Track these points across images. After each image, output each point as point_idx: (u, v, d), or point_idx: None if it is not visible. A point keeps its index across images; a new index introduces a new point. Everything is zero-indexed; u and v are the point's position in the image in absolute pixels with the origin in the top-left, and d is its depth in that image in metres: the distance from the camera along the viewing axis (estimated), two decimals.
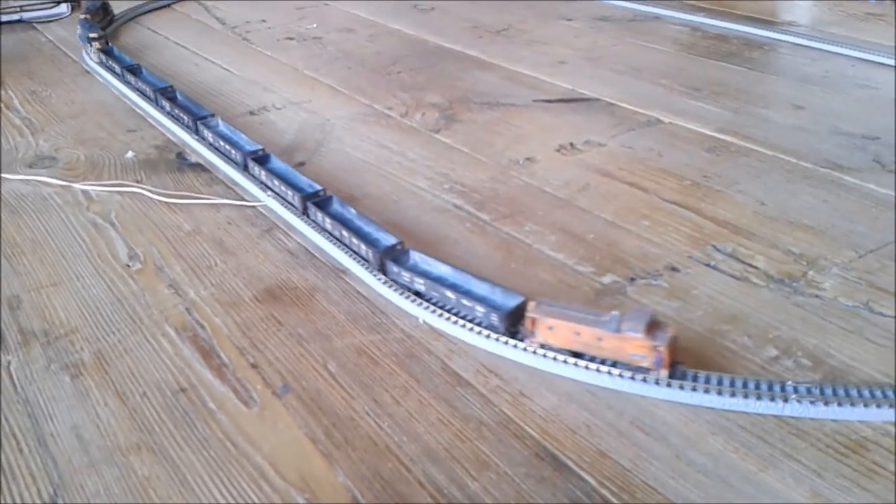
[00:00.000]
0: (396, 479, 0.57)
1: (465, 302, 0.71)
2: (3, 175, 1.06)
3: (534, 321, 0.66)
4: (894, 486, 0.54)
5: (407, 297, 0.75)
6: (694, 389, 0.62)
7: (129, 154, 1.12)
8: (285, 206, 0.92)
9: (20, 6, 1.85)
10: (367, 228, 0.84)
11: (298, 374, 0.67)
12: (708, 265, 0.80)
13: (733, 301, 0.75)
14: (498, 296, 0.71)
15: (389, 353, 0.70)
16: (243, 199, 0.97)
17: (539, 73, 1.39)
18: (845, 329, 0.70)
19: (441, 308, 0.73)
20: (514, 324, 0.68)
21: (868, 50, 1.39)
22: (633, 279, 0.79)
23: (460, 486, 0.56)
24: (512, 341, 0.68)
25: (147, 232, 0.91)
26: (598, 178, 1.00)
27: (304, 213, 0.90)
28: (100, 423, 0.63)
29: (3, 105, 1.33)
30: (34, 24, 1.83)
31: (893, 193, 0.92)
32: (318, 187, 0.91)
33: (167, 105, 1.21)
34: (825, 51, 1.43)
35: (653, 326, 0.62)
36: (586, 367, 0.65)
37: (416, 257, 0.78)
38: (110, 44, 1.52)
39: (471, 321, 0.71)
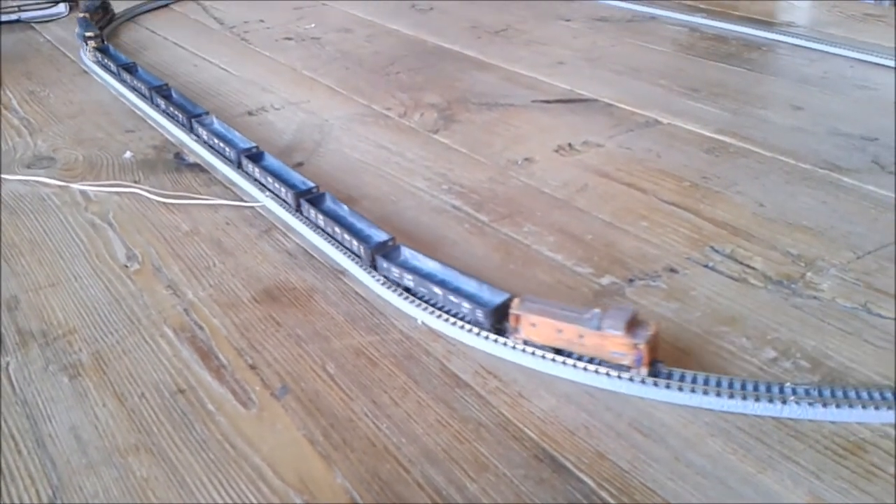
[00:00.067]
0: (395, 481, 0.57)
1: (452, 298, 0.71)
2: (1, 175, 1.06)
3: (517, 318, 0.67)
4: (893, 488, 0.54)
5: (405, 299, 0.75)
6: (692, 391, 0.62)
7: (128, 154, 1.11)
8: (283, 207, 0.92)
9: (18, 6, 1.85)
10: (360, 225, 0.84)
11: (297, 376, 0.67)
12: (706, 266, 0.80)
13: (732, 302, 0.75)
14: (485, 293, 0.71)
15: (388, 354, 0.70)
16: (241, 200, 0.97)
17: (537, 73, 1.39)
18: (844, 330, 0.70)
19: (427, 302, 0.73)
20: (499, 320, 0.69)
21: (867, 51, 1.39)
22: (631, 280, 0.79)
23: (459, 488, 0.56)
24: (511, 342, 0.68)
25: (145, 232, 0.91)
26: (596, 178, 1.00)
27: (298, 209, 0.90)
28: (98, 424, 0.63)
29: (1, 105, 1.33)
30: (32, 24, 1.83)
31: (892, 195, 0.92)
32: (312, 184, 0.91)
33: (162, 103, 1.21)
34: (824, 52, 1.43)
35: (633, 324, 0.62)
36: (585, 369, 0.65)
37: (406, 253, 0.79)
38: (106, 42, 1.52)
39: (457, 317, 0.71)
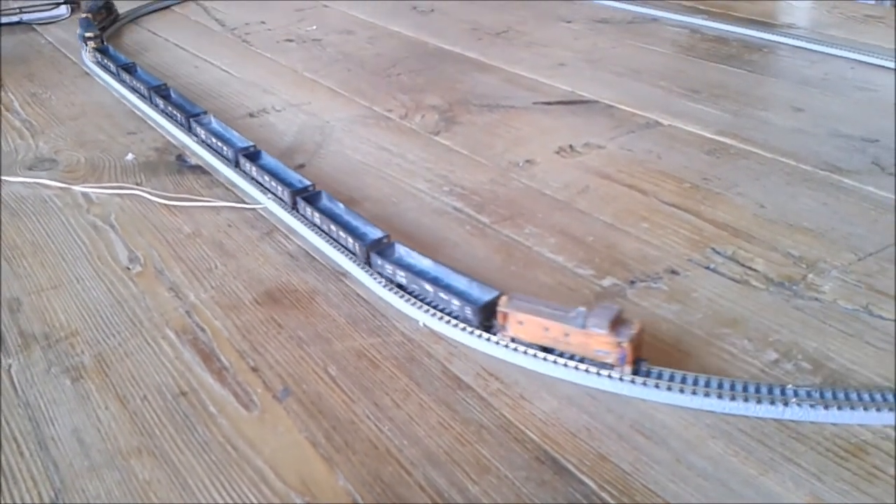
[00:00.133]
0: (397, 483, 0.57)
1: (442, 295, 0.72)
2: (2, 177, 1.06)
3: (505, 315, 0.67)
4: (894, 490, 0.54)
5: (407, 301, 0.75)
6: (694, 393, 0.62)
7: (129, 156, 1.12)
8: (282, 206, 0.92)
9: (20, 8, 1.85)
10: (355, 223, 0.85)
11: (299, 378, 0.67)
12: (707, 268, 0.81)
13: (733, 304, 0.75)
14: (475, 290, 0.72)
15: (390, 356, 0.70)
16: (243, 202, 0.97)
17: (538, 75, 1.39)
18: (845, 332, 0.70)
19: (428, 304, 0.74)
20: (487, 318, 0.69)
21: (867, 52, 1.39)
22: (632, 282, 0.79)
23: (461, 490, 0.56)
24: (503, 341, 0.68)
25: (147, 234, 0.91)
26: (597, 180, 1.00)
27: (294, 207, 0.90)
28: (100, 426, 0.63)
29: (3, 107, 1.33)
30: (34, 26, 1.83)
31: (893, 196, 0.92)
32: (308, 182, 0.92)
33: (161, 103, 1.21)
34: (824, 53, 1.43)
35: (618, 323, 0.63)
36: (587, 371, 0.65)
37: (401, 251, 0.79)
38: (105, 43, 1.52)
39: (449, 314, 0.71)
